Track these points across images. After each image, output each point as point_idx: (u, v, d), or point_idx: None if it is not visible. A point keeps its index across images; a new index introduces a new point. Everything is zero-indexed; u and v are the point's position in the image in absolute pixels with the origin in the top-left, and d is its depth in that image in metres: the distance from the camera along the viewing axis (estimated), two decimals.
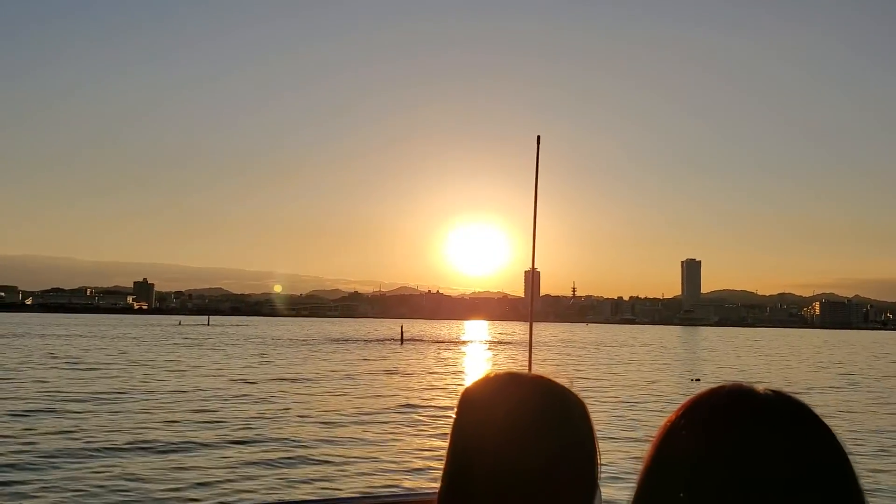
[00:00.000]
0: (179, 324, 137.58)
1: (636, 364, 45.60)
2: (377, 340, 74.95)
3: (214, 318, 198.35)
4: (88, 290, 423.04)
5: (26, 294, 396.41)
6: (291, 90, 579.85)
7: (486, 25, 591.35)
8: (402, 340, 73.06)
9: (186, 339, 69.47)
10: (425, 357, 49.24)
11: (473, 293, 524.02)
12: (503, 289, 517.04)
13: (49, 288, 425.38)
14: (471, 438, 1.18)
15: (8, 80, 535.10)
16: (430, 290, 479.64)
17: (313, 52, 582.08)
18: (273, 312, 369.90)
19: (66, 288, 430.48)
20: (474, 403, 1.22)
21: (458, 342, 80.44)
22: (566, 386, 1.24)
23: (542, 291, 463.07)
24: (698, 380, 30.78)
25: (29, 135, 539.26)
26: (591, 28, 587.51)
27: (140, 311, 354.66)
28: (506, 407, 1.17)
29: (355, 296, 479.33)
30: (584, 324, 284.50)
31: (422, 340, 78.96)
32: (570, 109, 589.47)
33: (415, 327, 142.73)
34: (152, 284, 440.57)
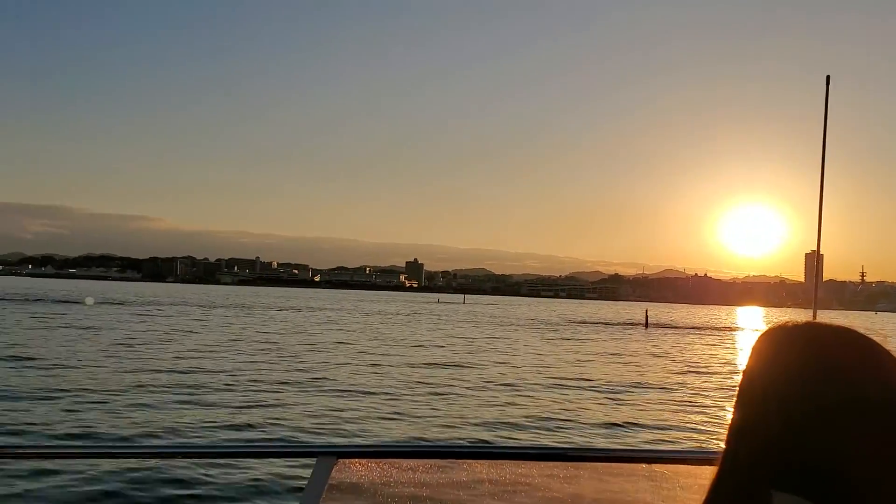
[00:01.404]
0: (438, 301, 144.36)
1: None
2: (621, 324, 71.25)
3: (473, 297, 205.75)
4: (368, 269, 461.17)
5: (316, 272, 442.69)
6: (559, 73, 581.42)
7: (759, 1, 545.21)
8: (646, 325, 68.67)
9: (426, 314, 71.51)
10: (660, 344, 45.22)
11: (746, 277, 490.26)
12: (780, 273, 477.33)
13: (335, 267, 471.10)
14: (762, 384, 1.09)
15: (295, 77, 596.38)
16: (696, 274, 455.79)
17: (582, 35, 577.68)
18: (531, 293, 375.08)
19: (350, 267, 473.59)
20: (767, 348, 1.13)
21: (716, 329, 73.91)
22: (878, 341, 1.10)
23: (826, 276, 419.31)
24: None
25: (321, 132, 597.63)
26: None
27: (410, 289, 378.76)
28: (803, 351, 1.09)
29: (616, 278, 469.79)
30: (873, 312, 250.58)
31: (673, 326, 73.69)
32: (856, 84, 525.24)
33: (675, 312, 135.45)
34: (422, 264, 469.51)
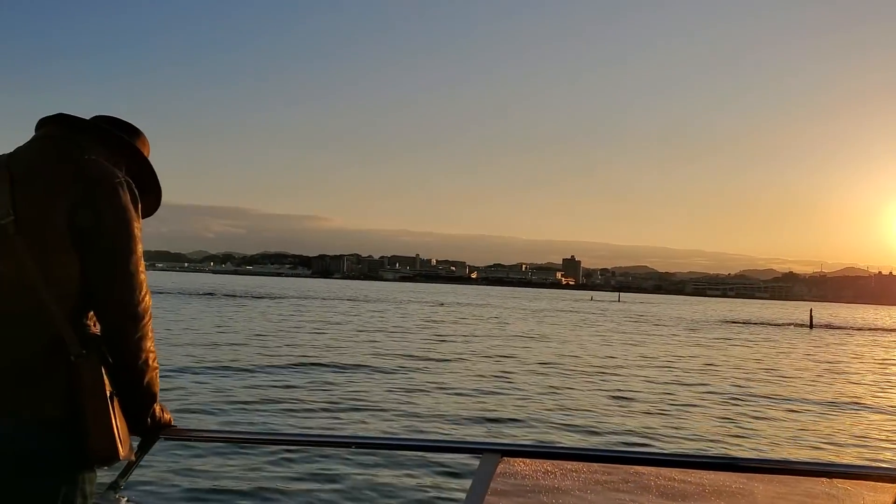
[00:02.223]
0: (591, 299, 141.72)
1: None
2: (782, 324, 66.54)
3: (631, 296, 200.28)
4: (524, 266, 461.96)
5: (472, 269, 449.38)
6: (727, 59, 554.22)
7: None
8: (810, 325, 63.70)
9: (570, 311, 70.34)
10: (821, 345, 41.81)
11: None
12: None
13: (492, 264, 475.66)
14: None
15: (454, 77, 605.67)
16: (879, 272, 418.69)
17: (747, 22, 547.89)
18: (696, 292, 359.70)
19: (506, 264, 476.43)
20: None
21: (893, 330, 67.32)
22: None
23: None
24: None
25: (479, 131, 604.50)
26: None
27: (567, 287, 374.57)
28: None
29: (790, 276, 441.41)
30: None
31: (843, 327, 67.95)
32: None
33: (853, 313, 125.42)
34: (579, 261, 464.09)
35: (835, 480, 2.06)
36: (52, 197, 1.80)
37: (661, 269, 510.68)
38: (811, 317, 66.93)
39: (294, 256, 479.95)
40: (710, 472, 2.14)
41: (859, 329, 65.91)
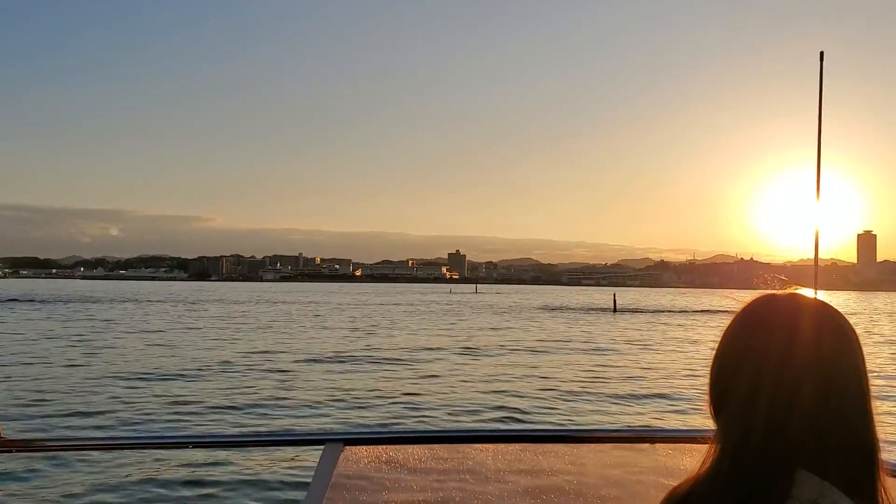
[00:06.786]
0: (450, 292, 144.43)
1: None
2: (592, 310, 70.20)
3: (501, 287, 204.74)
4: (411, 262, 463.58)
5: (358, 266, 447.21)
6: (605, 56, 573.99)
7: None
8: (614, 310, 67.53)
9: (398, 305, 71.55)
10: (602, 327, 44.43)
11: (800, 261, 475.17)
12: (836, 255, 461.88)
13: (380, 260, 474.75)
14: (742, 350, 1.13)
15: (340, 72, 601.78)
16: (742, 258, 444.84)
17: (625, 18, 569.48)
18: (571, 282, 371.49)
19: (395, 260, 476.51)
20: (749, 315, 1.19)
21: (693, 312, 71.81)
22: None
23: (881, 256, 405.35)
24: None
25: (368, 125, 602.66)
26: None
27: (450, 280, 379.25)
28: (782, 319, 1.13)
29: (661, 265, 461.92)
30: None
31: (643, 311, 72.14)
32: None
33: (690, 297, 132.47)
34: (464, 255, 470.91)
35: (657, 445, 2.21)
36: None
37: (545, 261, 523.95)
38: (615, 302, 70.85)
39: (172, 259, 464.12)
40: (545, 444, 2.27)
41: (654, 312, 70.04)
